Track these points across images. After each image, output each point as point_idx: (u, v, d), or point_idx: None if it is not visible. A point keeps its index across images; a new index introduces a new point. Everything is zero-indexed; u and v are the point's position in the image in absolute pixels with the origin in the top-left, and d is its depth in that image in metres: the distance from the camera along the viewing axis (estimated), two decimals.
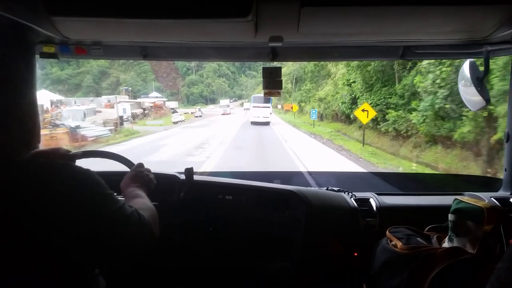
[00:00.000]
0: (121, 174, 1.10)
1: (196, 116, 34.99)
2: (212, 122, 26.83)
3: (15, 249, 0.61)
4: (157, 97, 45.13)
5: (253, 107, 23.26)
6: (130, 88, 49.08)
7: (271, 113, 23.81)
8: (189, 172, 1.37)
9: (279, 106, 35.99)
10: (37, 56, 1.27)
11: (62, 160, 0.75)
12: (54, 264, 0.65)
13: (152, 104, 34.94)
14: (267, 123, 22.23)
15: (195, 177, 1.40)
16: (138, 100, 36.54)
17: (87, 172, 0.71)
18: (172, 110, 35.71)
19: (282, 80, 1.37)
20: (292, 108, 27.83)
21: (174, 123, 26.21)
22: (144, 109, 31.64)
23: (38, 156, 1.08)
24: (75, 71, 48.36)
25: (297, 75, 30.23)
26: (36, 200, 0.62)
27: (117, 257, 0.76)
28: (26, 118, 0.73)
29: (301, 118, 26.16)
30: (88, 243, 0.68)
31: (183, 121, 28.07)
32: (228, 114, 38.62)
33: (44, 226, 0.63)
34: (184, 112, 38.90)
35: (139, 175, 1.09)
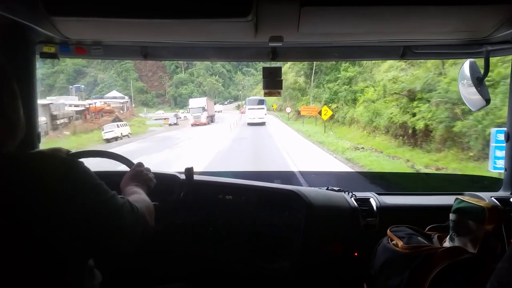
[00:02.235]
0: (121, 174, 1.10)
1: (171, 124, 25.48)
2: (161, 144, 14.64)
3: (6, 242, 0.61)
4: (114, 97, 34.61)
5: (249, 109, 24.25)
6: (83, 86, 39.25)
7: (265, 114, 24.83)
8: (189, 172, 1.36)
9: (288, 109, 25.48)
10: (37, 56, 1.27)
11: (50, 151, 0.74)
12: (47, 257, 0.64)
13: (84, 108, 22.67)
14: (262, 124, 23.23)
15: (195, 177, 1.39)
16: (47, 101, 19.53)
17: (74, 162, 0.70)
18: (114, 118, 21.98)
19: (282, 80, 1.37)
20: (321, 112, 14.33)
21: (107, 140, 16.73)
22: (56, 117, 18.02)
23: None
24: (50, 71, 41.93)
25: (317, 64, 20.31)
26: (23, 192, 0.62)
27: (111, 247, 0.76)
28: (10, 123, 0.71)
29: (344, 133, 12.96)
30: (80, 233, 0.67)
31: (124, 137, 17.59)
32: (204, 124, 24.68)
33: (33, 218, 0.62)
34: (162, 117, 29.48)
35: (139, 174, 1.09)
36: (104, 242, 0.73)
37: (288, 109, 25.74)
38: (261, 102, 24.29)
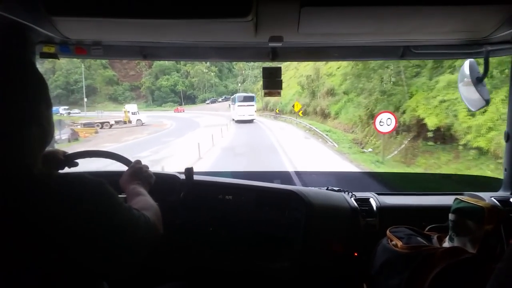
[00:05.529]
0: (121, 174, 1.10)
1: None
2: None
3: (28, 258, 0.61)
4: None
5: (238, 106, 23.41)
6: None
7: (255, 111, 23.59)
8: (189, 172, 1.36)
9: (389, 121, 8.75)
10: (37, 56, 1.27)
11: (75, 173, 0.76)
12: (64, 273, 0.65)
13: None
14: (251, 121, 22.28)
15: (195, 177, 1.40)
16: None
17: (100, 183, 0.71)
18: None
19: (282, 80, 1.37)
20: None
21: None
22: None
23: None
24: None
25: None
26: (52, 212, 0.63)
27: (127, 260, 0.76)
28: (44, 133, 0.74)
29: None
30: (100, 250, 0.68)
31: None
32: None
33: (58, 236, 0.63)
34: (91, 122, 20.24)
35: (138, 171, 1.10)
36: (121, 256, 0.74)
37: (390, 120, 9.01)
38: (250, 99, 23.50)
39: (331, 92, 18.52)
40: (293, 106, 20.37)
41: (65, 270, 0.64)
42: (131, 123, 23.97)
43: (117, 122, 23.94)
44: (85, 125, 21.77)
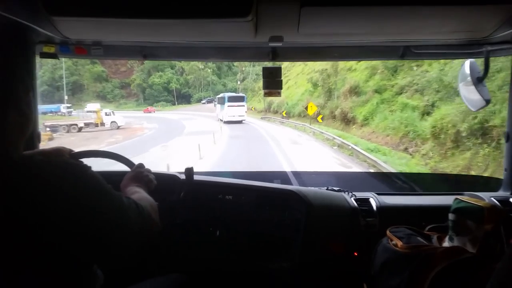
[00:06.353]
0: (122, 174, 1.10)
1: None
2: None
3: (12, 245, 0.61)
4: None
5: (228, 106, 22.54)
6: None
7: (246, 112, 22.59)
8: (189, 172, 1.37)
9: None
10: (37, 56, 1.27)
11: (59, 158, 0.75)
12: (51, 259, 0.65)
13: None
14: (240, 122, 21.54)
15: (195, 177, 1.40)
16: None
17: (84, 167, 0.71)
18: None
19: (282, 80, 1.37)
20: None
21: None
22: None
23: (40, 155, 1.08)
24: None
25: None
26: (34, 197, 0.62)
27: (119, 250, 0.75)
28: (24, 118, 0.73)
29: None
30: (88, 238, 0.68)
31: None
32: None
33: (42, 222, 0.62)
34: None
35: (139, 175, 1.09)
36: (112, 246, 0.73)
37: None
38: (241, 99, 22.67)
39: (355, 91, 13.79)
40: (306, 108, 14.92)
41: (50, 255, 0.64)
42: (104, 125, 20.54)
43: (87, 125, 20.59)
44: (49, 127, 18.26)
